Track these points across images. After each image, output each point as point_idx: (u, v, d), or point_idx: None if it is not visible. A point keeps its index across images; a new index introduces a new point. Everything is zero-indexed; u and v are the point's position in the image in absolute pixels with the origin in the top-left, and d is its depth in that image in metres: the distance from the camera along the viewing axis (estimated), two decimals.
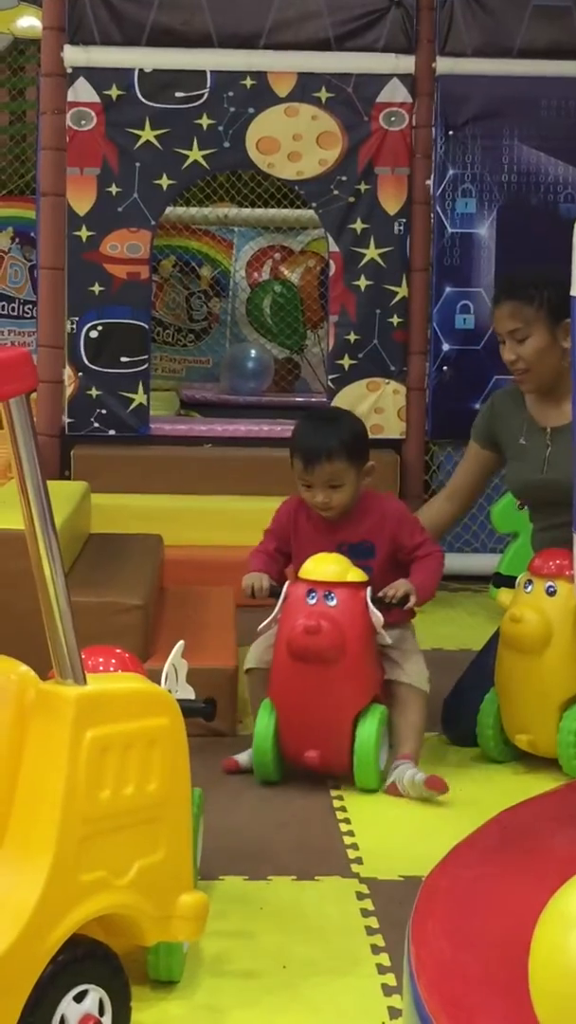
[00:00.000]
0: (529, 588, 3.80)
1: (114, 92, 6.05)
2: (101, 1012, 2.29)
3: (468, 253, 6.16)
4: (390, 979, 2.65)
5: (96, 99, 6.04)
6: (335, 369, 6.21)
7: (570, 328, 3.93)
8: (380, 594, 3.69)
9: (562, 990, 1.57)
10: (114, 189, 6.07)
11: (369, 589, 3.67)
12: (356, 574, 3.68)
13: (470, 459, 4.31)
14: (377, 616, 3.65)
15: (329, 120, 6.12)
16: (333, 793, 3.68)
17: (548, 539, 3.96)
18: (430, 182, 6.13)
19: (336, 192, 6.13)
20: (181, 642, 3.14)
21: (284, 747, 3.68)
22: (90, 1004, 2.27)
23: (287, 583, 3.74)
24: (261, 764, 3.69)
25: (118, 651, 2.75)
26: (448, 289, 6.17)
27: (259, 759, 3.68)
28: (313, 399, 7.66)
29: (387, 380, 6.20)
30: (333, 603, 3.63)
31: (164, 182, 6.11)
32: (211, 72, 6.08)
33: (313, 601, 3.64)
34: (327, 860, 3.23)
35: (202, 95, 6.09)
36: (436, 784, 3.57)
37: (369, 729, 3.64)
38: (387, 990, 2.62)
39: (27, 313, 8.24)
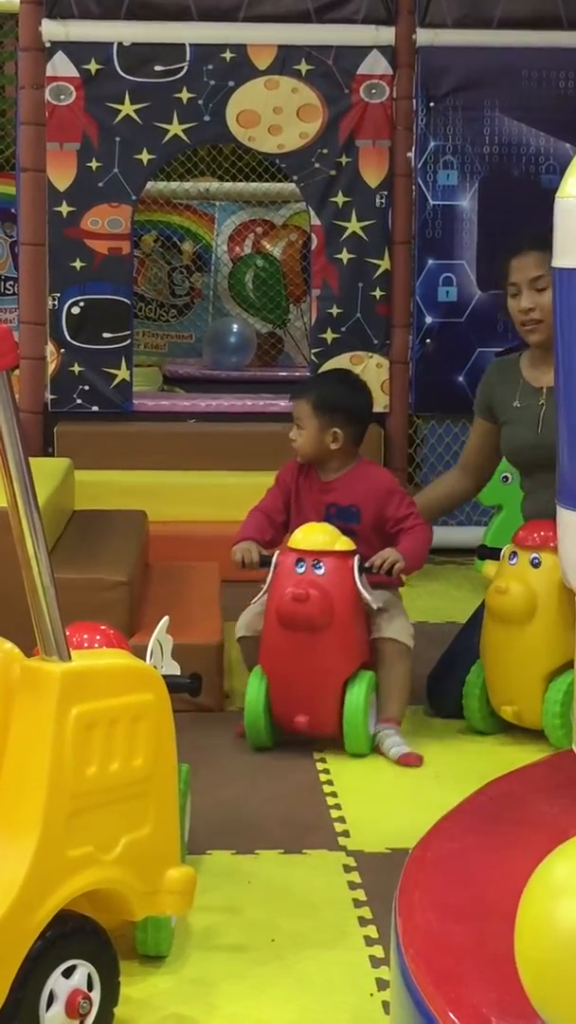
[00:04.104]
0: (514, 560, 3.81)
1: (93, 66, 6.01)
2: (90, 987, 2.30)
3: (450, 225, 6.15)
4: (378, 951, 2.66)
5: (75, 73, 6.01)
6: (318, 343, 6.20)
7: None
8: (368, 563, 3.75)
9: (547, 959, 1.58)
10: (94, 164, 6.04)
11: (357, 558, 3.73)
12: (344, 543, 3.75)
13: (475, 433, 4.31)
14: (365, 584, 3.70)
15: (309, 93, 6.09)
16: (320, 767, 3.69)
17: (539, 506, 3.91)
18: (411, 154, 6.11)
19: (317, 165, 6.11)
20: (166, 618, 3.14)
21: (275, 713, 3.75)
22: (79, 979, 2.28)
23: (276, 552, 3.80)
24: (253, 730, 3.75)
25: (103, 627, 2.75)
26: (430, 262, 6.16)
27: (251, 725, 3.75)
28: (296, 373, 7.64)
29: (370, 354, 6.19)
30: (321, 571, 3.70)
31: (144, 156, 6.08)
32: (190, 45, 6.04)
33: (302, 570, 3.71)
34: (314, 833, 3.24)
35: (182, 68, 6.05)
36: (410, 761, 3.67)
37: (358, 695, 3.70)
38: (375, 962, 2.63)
39: (8, 290, 8.20)
